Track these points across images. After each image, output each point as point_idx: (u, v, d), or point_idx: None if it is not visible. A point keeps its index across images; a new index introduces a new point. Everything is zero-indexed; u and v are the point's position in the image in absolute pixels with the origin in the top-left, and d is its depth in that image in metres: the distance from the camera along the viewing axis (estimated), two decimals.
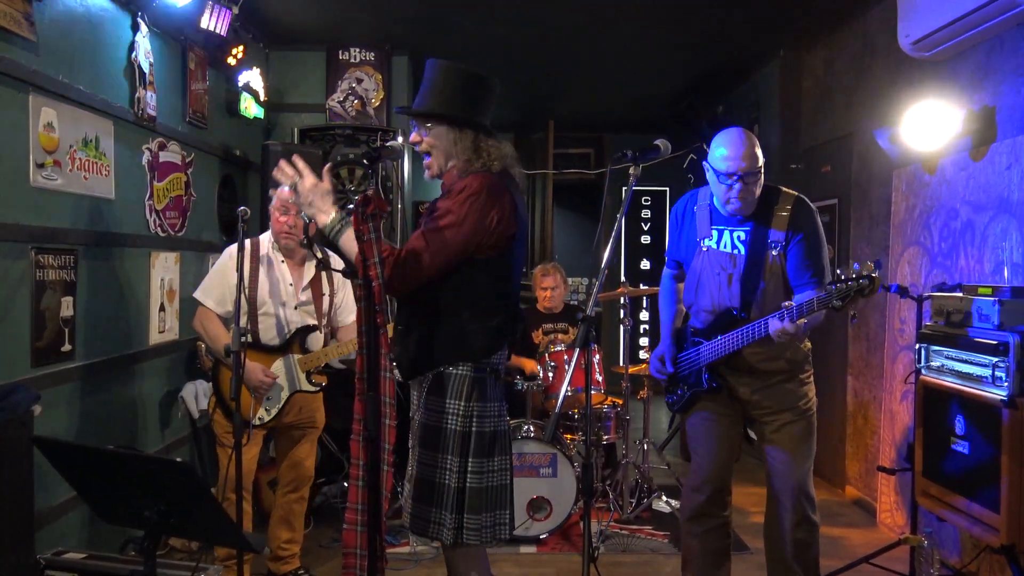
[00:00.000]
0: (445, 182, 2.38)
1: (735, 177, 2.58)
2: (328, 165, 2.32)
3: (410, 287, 2.25)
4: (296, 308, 3.30)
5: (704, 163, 2.72)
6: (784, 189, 2.77)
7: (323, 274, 3.37)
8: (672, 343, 2.94)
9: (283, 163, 2.21)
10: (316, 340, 3.35)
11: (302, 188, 2.20)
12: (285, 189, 2.52)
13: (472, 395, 2.28)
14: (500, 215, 2.24)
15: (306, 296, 3.33)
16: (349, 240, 2.15)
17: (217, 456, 3.41)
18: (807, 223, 2.67)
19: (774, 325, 2.49)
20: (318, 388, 3.34)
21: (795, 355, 2.76)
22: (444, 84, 2.31)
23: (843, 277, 2.34)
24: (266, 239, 3.33)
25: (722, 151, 2.61)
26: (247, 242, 3.17)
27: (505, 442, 2.38)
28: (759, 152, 2.63)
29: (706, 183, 2.79)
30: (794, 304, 2.46)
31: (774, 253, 2.66)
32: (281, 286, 3.28)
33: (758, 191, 2.67)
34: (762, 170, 2.63)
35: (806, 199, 2.74)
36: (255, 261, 3.26)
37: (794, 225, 2.67)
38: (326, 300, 3.37)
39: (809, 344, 2.81)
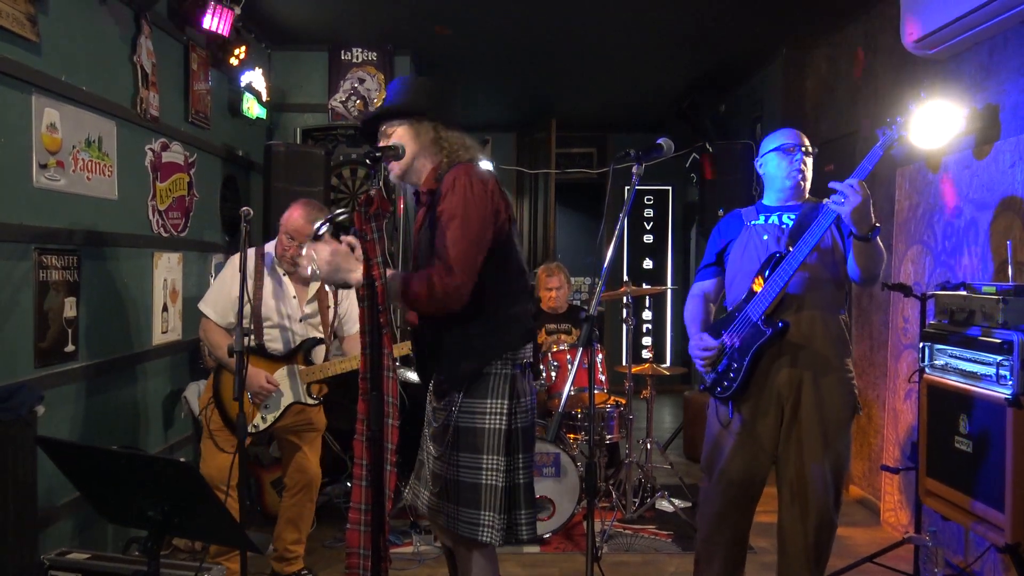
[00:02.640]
0: (425, 187, 2.35)
1: (797, 148, 2.80)
2: (325, 229, 2.20)
3: (462, 300, 2.19)
4: (301, 321, 3.29)
5: (757, 160, 2.89)
6: None
7: (327, 287, 3.34)
8: (705, 331, 2.84)
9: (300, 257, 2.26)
10: (320, 353, 3.33)
11: (320, 261, 2.16)
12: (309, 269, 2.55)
13: (512, 392, 2.27)
14: (496, 196, 2.25)
15: (311, 309, 3.31)
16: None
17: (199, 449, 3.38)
18: None
19: (840, 187, 2.45)
20: (318, 401, 3.32)
21: (839, 333, 2.68)
22: (400, 89, 2.38)
23: (885, 130, 2.61)
24: (271, 250, 3.31)
25: (781, 136, 2.85)
26: (251, 250, 3.17)
27: (533, 435, 2.39)
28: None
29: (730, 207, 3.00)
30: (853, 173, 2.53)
31: (827, 224, 2.63)
32: (286, 300, 3.27)
33: (809, 174, 2.82)
34: (812, 154, 2.86)
35: None
36: (260, 272, 3.24)
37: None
38: (331, 313, 3.37)
39: (852, 356, 2.77)
